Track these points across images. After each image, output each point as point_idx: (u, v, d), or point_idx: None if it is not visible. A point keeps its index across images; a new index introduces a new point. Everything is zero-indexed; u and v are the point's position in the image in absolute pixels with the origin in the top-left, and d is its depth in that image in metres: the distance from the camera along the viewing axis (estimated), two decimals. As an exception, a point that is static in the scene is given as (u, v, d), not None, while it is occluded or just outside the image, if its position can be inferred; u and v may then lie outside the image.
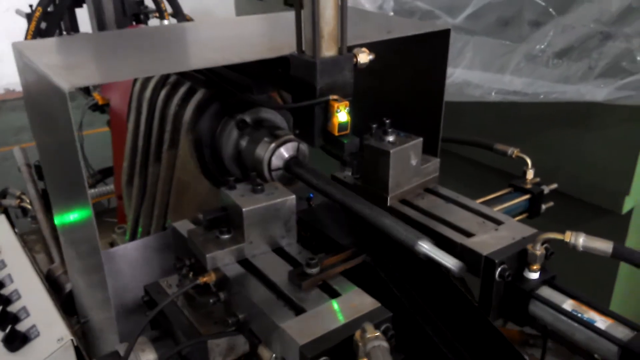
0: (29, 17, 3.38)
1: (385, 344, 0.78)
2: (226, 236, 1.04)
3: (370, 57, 1.12)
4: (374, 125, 1.21)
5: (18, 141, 6.57)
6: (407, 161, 1.21)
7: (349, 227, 1.22)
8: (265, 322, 0.92)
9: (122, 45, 1.30)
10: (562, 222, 1.44)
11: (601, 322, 0.98)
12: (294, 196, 1.06)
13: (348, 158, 1.27)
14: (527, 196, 1.40)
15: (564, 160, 2.24)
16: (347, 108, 1.07)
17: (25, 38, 1.83)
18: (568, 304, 1.01)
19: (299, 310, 0.92)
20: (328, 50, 1.05)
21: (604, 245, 1.00)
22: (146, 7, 2.21)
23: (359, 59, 1.10)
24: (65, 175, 1.09)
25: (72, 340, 1.44)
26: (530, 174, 1.44)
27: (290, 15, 1.08)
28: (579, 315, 0.99)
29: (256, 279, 1.00)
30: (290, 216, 1.07)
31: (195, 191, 1.42)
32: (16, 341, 1.46)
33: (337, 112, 1.06)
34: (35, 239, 2.08)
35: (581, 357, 1.22)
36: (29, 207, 2.14)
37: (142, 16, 2.22)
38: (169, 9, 2.01)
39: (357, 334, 0.81)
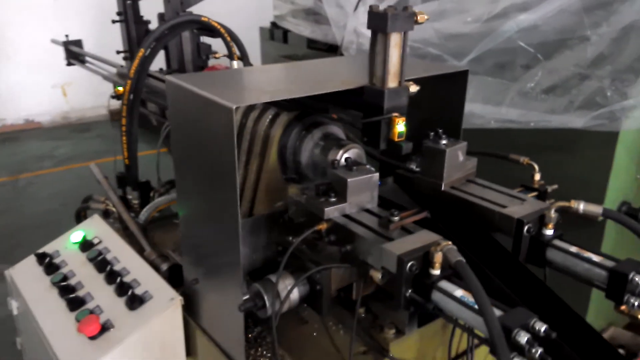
0: (65, 44, 3.89)
1: (455, 247, 1.26)
2: (333, 199, 1.53)
3: (417, 88, 1.61)
4: (432, 133, 1.71)
5: (40, 168, 7.01)
6: (457, 158, 1.70)
7: (412, 201, 1.73)
8: (369, 246, 1.41)
9: (257, 77, 1.83)
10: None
11: (596, 258, 1.44)
12: (377, 174, 1.57)
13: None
14: (535, 193, 1.83)
15: (551, 176, 2.72)
16: (404, 122, 1.56)
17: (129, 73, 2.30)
18: (573, 249, 1.49)
19: (389, 240, 1.40)
20: (392, 83, 1.55)
21: (596, 209, 1.48)
22: (213, 50, 2.70)
23: (410, 89, 1.59)
24: (214, 175, 1.54)
25: (180, 299, 1.87)
26: (537, 177, 1.88)
27: (331, 60, 1.57)
28: (581, 254, 1.46)
29: (356, 224, 1.49)
30: (374, 187, 1.58)
31: (276, 188, 1.87)
32: (135, 302, 1.88)
33: (397, 125, 1.55)
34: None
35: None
36: (113, 209, 2.58)
37: (210, 56, 2.72)
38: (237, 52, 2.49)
39: (433, 248, 1.30)
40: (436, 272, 1.32)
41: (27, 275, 2.19)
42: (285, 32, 4.39)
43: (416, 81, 1.66)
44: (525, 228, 1.51)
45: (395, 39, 1.49)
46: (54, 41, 4.25)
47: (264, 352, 1.78)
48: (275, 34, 4.51)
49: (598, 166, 2.61)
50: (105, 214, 2.61)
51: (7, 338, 3.22)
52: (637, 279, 1.34)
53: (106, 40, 4.61)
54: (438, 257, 1.31)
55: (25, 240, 4.89)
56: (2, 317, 2.56)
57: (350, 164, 1.60)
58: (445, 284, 1.32)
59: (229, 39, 2.41)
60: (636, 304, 1.35)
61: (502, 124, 2.73)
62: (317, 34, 3.92)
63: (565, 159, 2.69)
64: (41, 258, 2.22)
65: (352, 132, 1.93)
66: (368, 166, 1.73)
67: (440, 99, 1.93)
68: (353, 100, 1.66)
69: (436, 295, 1.32)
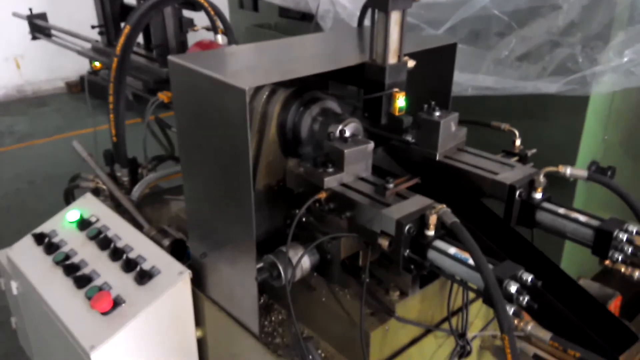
0: (29, 18, 3.82)
1: (449, 210, 1.37)
2: (331, 169, 1.62)
3: (414, 63, 1.69)
4: (426, 105, 1.78)
5: (0, 145, 6.79)
6: (450, 129, 1.79)
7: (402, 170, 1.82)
8: (368, 213, 1.51)
9: (258, 56, 1.85)
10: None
11: (582, 218, 1.57)
12: (372, 144, 1.65)
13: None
14: (516, 158, 1.94)
15: (526, 140, 2.87)
16: (404, 97, 1.64)
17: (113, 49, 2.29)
18: (562, 210, 1.61)
19: (387, 206, 1.50)
20: (392, 59, 1.62)
21: (582, 172, 1.61)
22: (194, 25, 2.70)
23: (408, 64, 1.67)
24: (226, 152, 1.58)
25: (189, 273, 1.93)
26: (518, 142, 1.99)
27: (322, 35, 1.61)
28: (569, 215, 1.59)
29: (354, 192, 1.58)
30: (369, 157, 1.67)
31: (275, 163, 1.93)
32: (144, 277, 1.93)
33: (397, 100, 1.63)
34: (113, 214, 2.52)
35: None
36: (103, 187, 2.59)
37: (188, 30, 2.71)
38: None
39: (428, 211, 1.41)
40: (431, 232, 1.44)
41: (26, 255, 2.21)
42: (255, 1, 4.36)
43: (408, 55, 1.74)
44: (517, 193, 1.63)
45: (395, 17, 1.56)
46: (15, 14, 4.13)
47: (273, 319, 1.88)
48: (245, 2, 4.48)
49: (570, 129, 2.75)
50: (95, 192, 2.62)
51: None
52: (621, 235, 1.48)
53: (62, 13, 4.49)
54: (433, 219, 1.43)
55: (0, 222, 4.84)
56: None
57: (345, 136, 1.68)
58: (439, 243, 1.44)
59: (212, 12, 2.42)
60: (620, 258, 1.50)
61: (479, 91, 2.83)
62: (288, 2, 3.91)
63: (539, 123, 2.83)
64: (39, 238, 2.24)
65: (344, 107, 2.01)
66: (361, 137, 1.81)
67: (429, 71, 2.01)
68: (351, 76, 1.73)
69: (432, 254, 1.44)
